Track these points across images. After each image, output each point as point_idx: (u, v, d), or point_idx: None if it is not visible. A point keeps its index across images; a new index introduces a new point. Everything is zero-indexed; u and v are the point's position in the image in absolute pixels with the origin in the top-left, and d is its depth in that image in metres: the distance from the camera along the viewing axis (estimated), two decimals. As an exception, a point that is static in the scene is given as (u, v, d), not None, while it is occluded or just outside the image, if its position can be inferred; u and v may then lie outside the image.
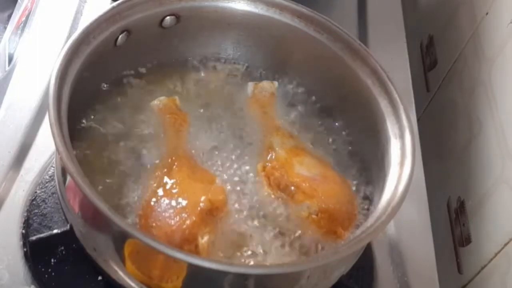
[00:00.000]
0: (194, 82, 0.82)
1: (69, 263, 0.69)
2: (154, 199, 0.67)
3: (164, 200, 0.67)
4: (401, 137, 0.70)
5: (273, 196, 0.71)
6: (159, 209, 0.66)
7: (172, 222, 0.65)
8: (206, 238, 0.65)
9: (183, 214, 0.65)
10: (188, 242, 0.64)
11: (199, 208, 0.66)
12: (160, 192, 0.68)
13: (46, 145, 0.79)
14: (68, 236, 0.67)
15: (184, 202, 0.66)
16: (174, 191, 0.68)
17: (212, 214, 0.67)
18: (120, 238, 0.61)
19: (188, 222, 0.65)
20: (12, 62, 0.91)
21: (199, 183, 0.69)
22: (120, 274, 0.64)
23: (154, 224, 0.65)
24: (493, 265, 0.82)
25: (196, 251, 0.64)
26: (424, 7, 1.26)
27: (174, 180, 0.69)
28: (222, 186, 0.70)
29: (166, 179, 0.69)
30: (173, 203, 0.67)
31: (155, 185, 0.69)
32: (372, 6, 1.11)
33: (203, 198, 0.67)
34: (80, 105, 0.73)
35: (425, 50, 1.17)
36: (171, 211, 0.66)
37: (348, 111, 0.80)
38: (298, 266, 0.63)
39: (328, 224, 0.70)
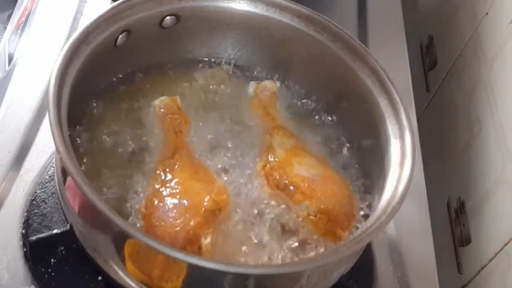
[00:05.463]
0: (195, 82, 0.82)
1: (69, 263, 0.69)
2: (156, 199, 0.67)
3: (167, 200, 0.67)
4: (401, 137, 0.70)
5: (272, 196, 0.71)
6: (162, 210, 0.66)
7: (176, 222, 0.65)
8: (209, 238, 0.65)
9: (187, 215, 0.65)
10: (191, 243, 0.64)
11: (203, 209, 0.66)
12: (163, 192, 0.68)
13: (46, 145, 0.79)
14: (68, 236, 0.67)
15: (187, 203, 0.66)
16: (177, 191, 0.68)
17: (214, 214, 0.67)
18: (120, 238, 0.61)
19: (192, 222, 0.65)
20: (12, 62, 0.91)
21: (202, 183, 0.69)
22: (120, 274, 0.64)
23: (157, 224, 0.65)
24: (493, 265, 0.82)
25: (199, 252, 0.64)
26: (424, 7, 1.26)
27: (177, 180, 0.69)
28: (225, 185, 0.70)
29: (168, 179, 0.69)
30: (177, 203, 0.66)
31: (157, 185, 0.69)
32: (372, 6, 1.11)
33: (207, 198, 0.67)
34: (80, 105, 0.73)
35: (425, 50, 1.17)
36: (175, 211, 0.66)
37: (348, 111, 0.80)
38: (298, 266, 0.63)
39: (327, 224, 0.70)
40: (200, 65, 0.84)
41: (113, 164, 0.72)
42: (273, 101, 0.82)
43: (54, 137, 0.60)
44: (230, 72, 0.85)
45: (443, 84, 1.09)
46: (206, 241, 0.65)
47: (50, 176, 0.76)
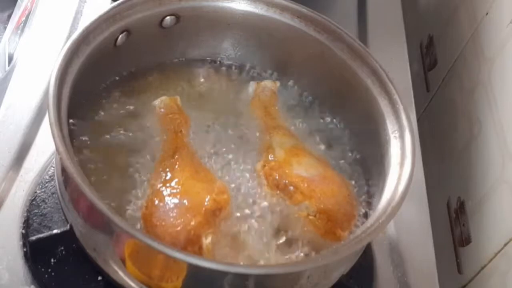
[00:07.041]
0: (195, 82, 0.83)
1: (69, 263, 0.69)
2: (157, 199, 0.67)
3: (167, 200, 0.67)
4: (401, 137, 0.70)
5: (272, 196, 0.71)
6: (163, 209, 0.66)
7: (177, 222, 0.65)
8: (209, 238, 0.65)
9: (188, 215, 0.65)
10: (192, 243, 0.64)
11: (204, 208, 0.66)
12: (164, 192, 0.68)
13: (46, 145, 0.79)
14: (68, 236, 0.67)
15: (188, 202, 0.66)
16: (177, 191, 0.68)
17: (215, 214, 0.67)
18: (120, 238, 0.61)
19: (193, 222, 0.65)
20: (12, 62, 0.91)
21: (202, 183, 0.69)
22: (120, 274, 0.64)
23: (158, 224, 0.65)
24: (493, 265, 0.82)
25: (199, 252, 0.64)
26: (424, 7, 1.26)
27: (177, 179, 0.69)
28: (225, 185, 0.70)
29: (168, 178, 0.69)
30: (177, 203, 0.66)
31: (157, 185, 0.69)
32: (372, 6, 1.11)
33: (208, 198, 0.67)
34: (80, 105, 0.73)
35: (425, 50, 1.17)
36: (176, 211, 0.66)
37: (348, 111, 0.80)
38: (298, 266, 0.63)
39: (327, 225, 0.70)
40: (200, 65, 0.84)
41: (113, 164, 0.72)
42: (273, 101, 0.82)
43: (54, 137, 0.60)
44: (230, 72, 0.85)
45: (443, 84, 1.09)
46: (207, 241, 0.65)
47: (50, 176, 0.76)
